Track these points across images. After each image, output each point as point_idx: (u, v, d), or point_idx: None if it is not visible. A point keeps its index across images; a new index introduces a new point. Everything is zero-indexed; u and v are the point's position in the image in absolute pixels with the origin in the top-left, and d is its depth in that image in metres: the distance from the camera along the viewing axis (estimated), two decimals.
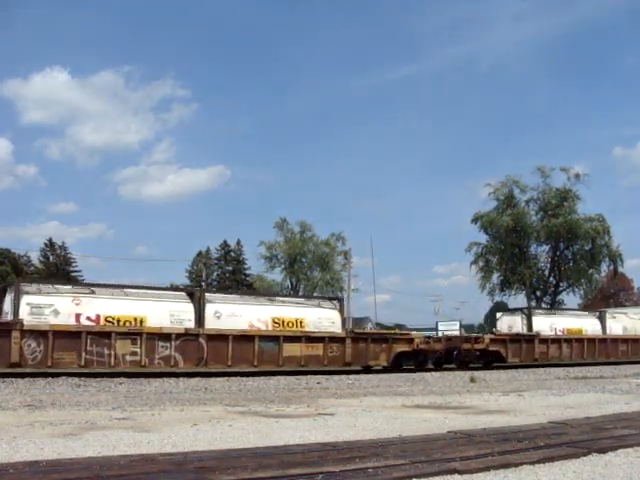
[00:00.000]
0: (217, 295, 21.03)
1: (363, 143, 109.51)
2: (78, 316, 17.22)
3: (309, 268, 79.91)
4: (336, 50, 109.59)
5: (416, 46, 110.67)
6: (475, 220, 48.64)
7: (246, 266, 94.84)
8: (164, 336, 17.61)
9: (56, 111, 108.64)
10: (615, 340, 28.78)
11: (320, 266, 78.79)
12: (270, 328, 19.63)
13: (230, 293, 27.40)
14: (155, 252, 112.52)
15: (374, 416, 8.03)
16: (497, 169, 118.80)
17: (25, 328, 16.17)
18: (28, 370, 16.48)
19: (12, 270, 58.88)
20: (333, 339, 20.18)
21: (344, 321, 21.80)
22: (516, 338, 25.45)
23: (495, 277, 46.76)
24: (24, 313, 16.54)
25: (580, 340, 27.30)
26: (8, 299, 17.65)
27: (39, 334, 16.29)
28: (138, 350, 17.23)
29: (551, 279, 48.88)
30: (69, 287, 19.01)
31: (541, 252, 49.02)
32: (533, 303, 46.84)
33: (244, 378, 16.49)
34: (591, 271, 45.58)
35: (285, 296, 23.68)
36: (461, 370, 21.92)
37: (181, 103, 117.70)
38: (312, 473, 4.18)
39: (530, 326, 28.00)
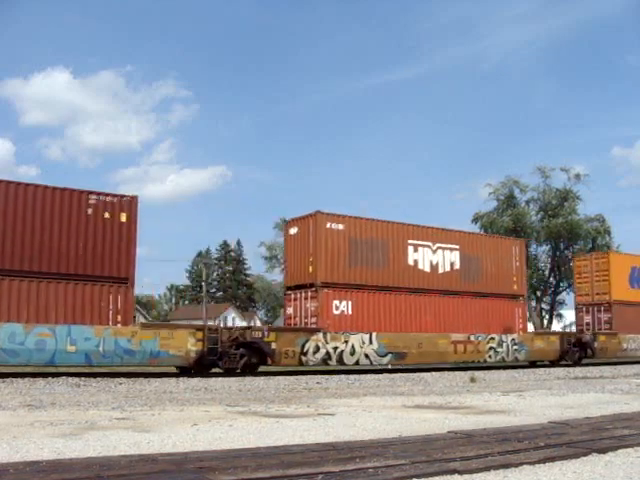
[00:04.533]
0: None
1: (364, 143, 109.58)
2: None
3: None
4: (338, 51, 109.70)
5: (418, 47, 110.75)
6: (475, 220, 48.62)
7: (246, 266, 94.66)
8: None
9: (57, 111, 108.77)
10: None
11: None
12: None
13: None
14: (155, 252, 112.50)
15: (374, 416, 8.02)
16: (497, 169, 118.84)
17: None
18: (28, 370, 16.47)
19: None
20: None
21: None
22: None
23: None
24: None
25: None
26: None
27: None
28: None
29: (551, 279, 48.91)
30: None
31: (541, 252, 49.12)
32: (533, 303, 46.87)
33: (244, 378, 16.48)
34: None
35: None
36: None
37: (182, 103, 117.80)
38: (312, 473, 4.18)
39: None
